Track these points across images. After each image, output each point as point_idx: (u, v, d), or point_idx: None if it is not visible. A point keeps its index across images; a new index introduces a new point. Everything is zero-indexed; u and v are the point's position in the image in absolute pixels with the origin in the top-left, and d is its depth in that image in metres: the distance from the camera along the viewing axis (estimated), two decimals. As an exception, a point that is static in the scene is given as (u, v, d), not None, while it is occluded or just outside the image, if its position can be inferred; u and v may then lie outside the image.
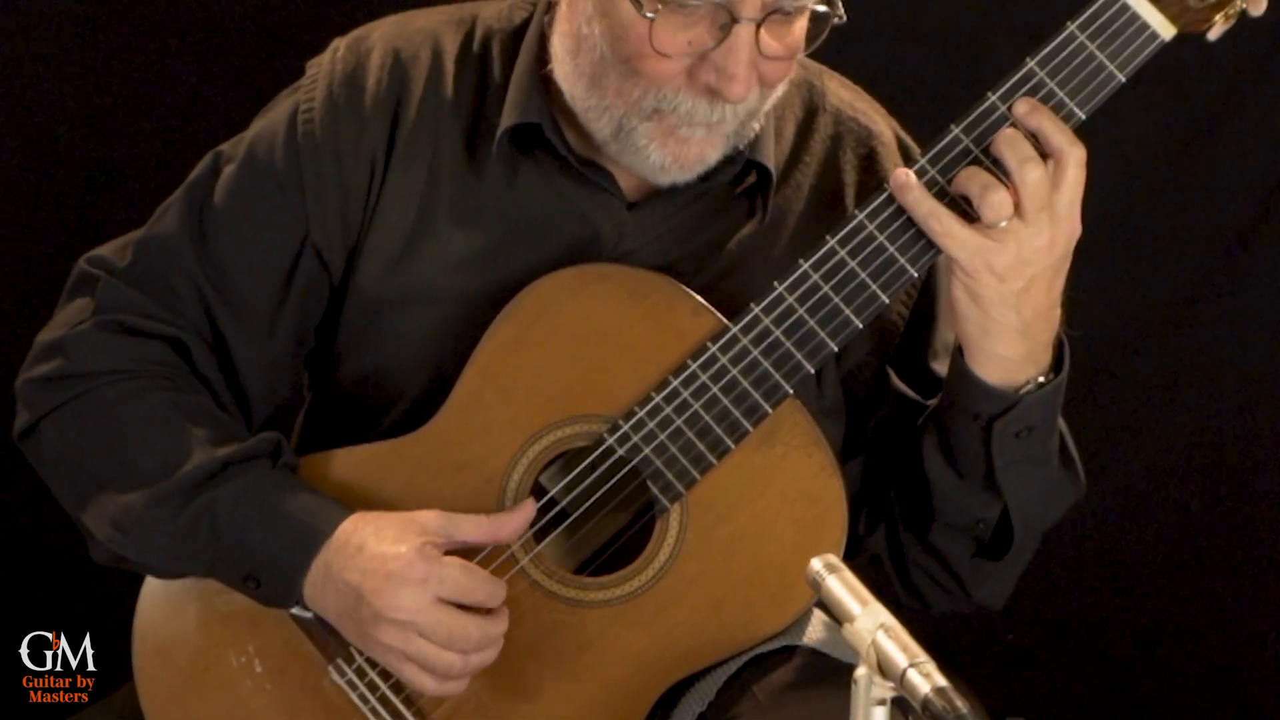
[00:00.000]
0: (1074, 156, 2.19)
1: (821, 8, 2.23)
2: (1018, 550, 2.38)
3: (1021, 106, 2.21)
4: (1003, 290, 2.21)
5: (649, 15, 2.20)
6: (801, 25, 2.25)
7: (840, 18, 2.24)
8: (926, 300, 2.43)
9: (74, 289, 2.40)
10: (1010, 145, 2.19)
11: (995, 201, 2.18)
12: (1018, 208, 2.18)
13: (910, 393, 2.40)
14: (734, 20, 2.19)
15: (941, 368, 2.38)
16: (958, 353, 2.29)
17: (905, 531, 2.41)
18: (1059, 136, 2.20)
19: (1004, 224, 2.19)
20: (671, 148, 2.27)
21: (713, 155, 2.30)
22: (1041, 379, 2.28)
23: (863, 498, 2.33)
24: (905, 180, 2.23)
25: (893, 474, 2.41)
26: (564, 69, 2.31)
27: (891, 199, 2.24)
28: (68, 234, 3.27)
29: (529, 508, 2.28)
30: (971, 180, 2.20)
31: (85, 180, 3.34)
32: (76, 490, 2.33)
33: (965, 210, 2.21)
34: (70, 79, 3.32)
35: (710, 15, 2.20)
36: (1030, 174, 2.18)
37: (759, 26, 2.20)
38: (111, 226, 2.47)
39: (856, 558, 2.41)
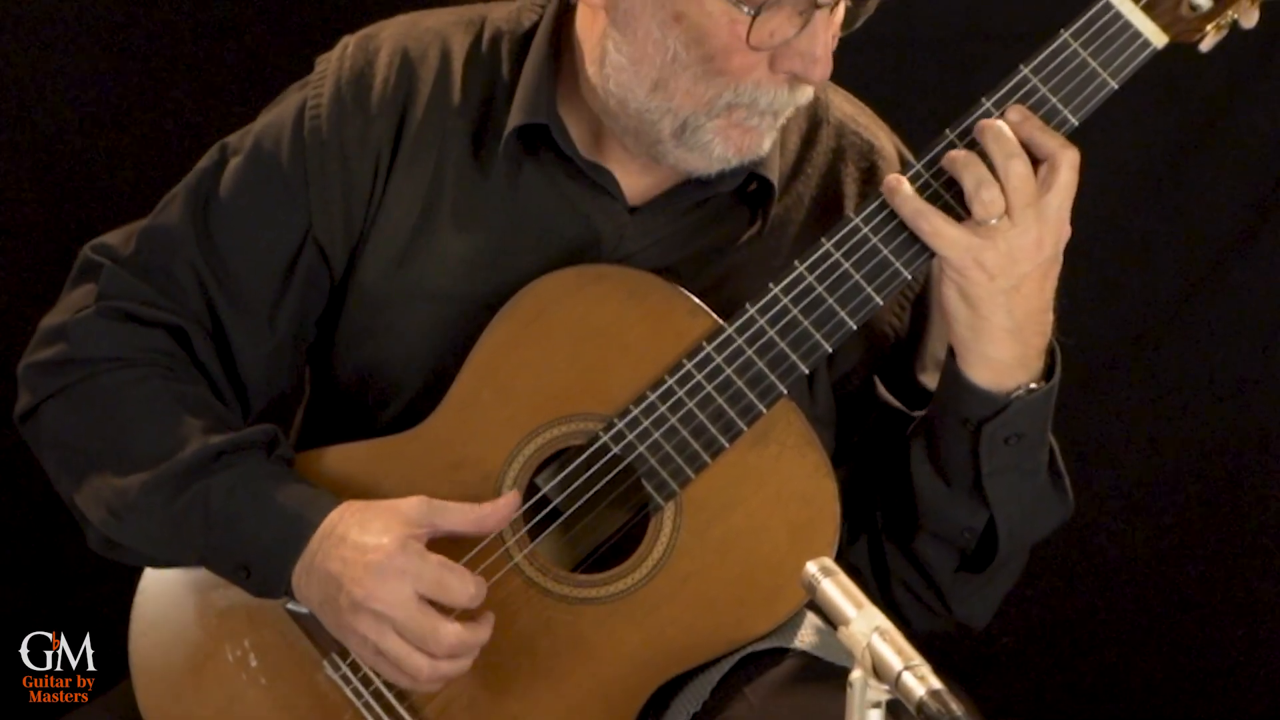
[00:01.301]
0: (1067, 159, 2.21)
1: None
2: (1002, 563, 2.38)
3: (1013, 115, 2.22)
4: (992, 288, 2.21)
5: (749, 12, 2.21)
6: (842, 8, 2.27)
7: None
8: (921, 312, 2.44)
9: (78, 275, 2.42)
10: (996, 139, 2.21)
11: (988, 198, 2.20)
12: (1006, 205, 2.20)
13: (896, 404, 2.41)
14: (815, 6, 2.22)
15: (930, 381, 2.38)
16: (950, 356, 2.30)
17: (888, 542, 2.42)
18: (1051, 142, 2.21)
19: (994, 221, 2.20)
20: (735, 139, 2.28)
21: (767, 143, 2.32)
22: (1033, 385, 2.28)
23: (846, 508, 2.33)
24: (895, 184, 2.25)
25: (877, 484, 2.41)
26: (620, 75, 2.29)
27: (885, 203, 2.26)
28: (71, 220, 3.27)
29: (514, 498, 2.28)
30: (967, 170, 2.21)
31: (89, 167, 3.35)
32: (73, 474, 2.34)
33: (957, 214, 2.23)
34: (73, 68, 3.34)
35: (791, 4, 2.22)
36: (1014, 169, 2.20)
37: (831, 10, 2.23)
38: (116, 214, 2.48)
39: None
